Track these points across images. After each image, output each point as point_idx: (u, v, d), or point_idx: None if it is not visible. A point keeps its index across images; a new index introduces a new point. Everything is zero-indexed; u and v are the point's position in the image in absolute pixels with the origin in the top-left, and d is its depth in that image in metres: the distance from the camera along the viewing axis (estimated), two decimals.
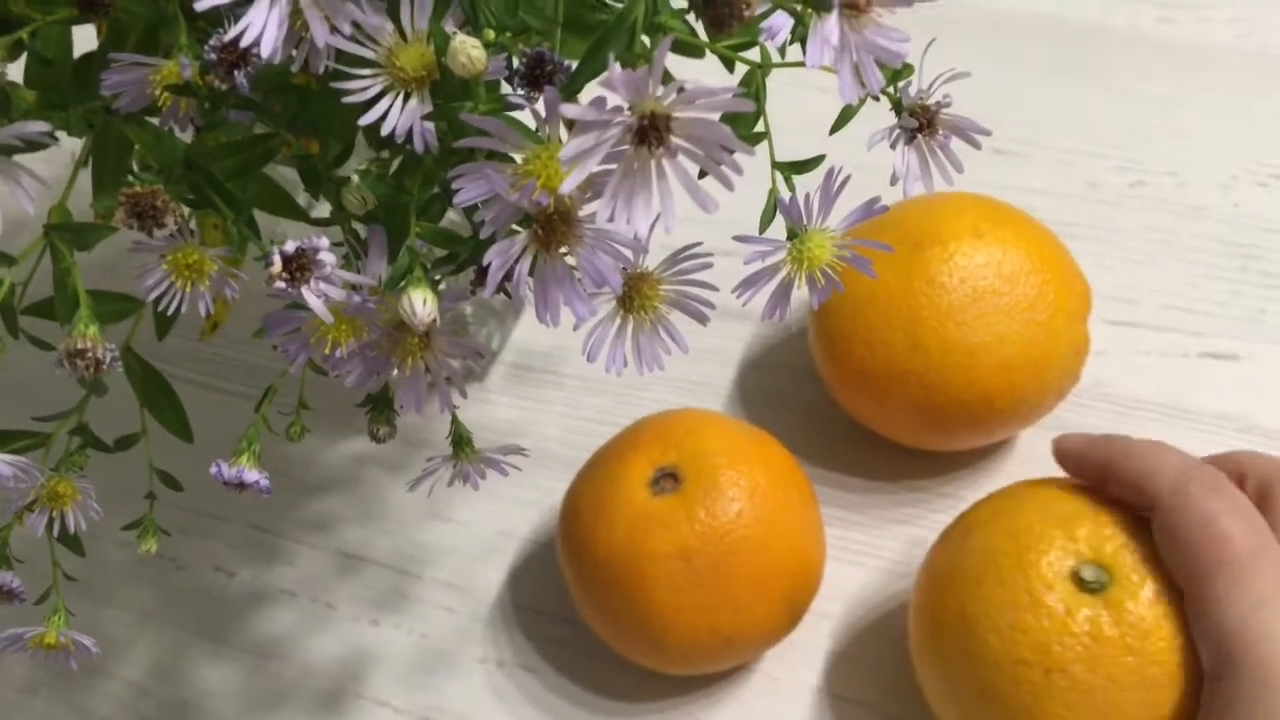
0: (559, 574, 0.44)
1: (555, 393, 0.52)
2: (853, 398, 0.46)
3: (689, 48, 0.26)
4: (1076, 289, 0.45)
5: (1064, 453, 0.39)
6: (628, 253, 0.22)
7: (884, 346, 0.43)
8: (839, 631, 0.45)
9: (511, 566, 0.48)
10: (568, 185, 0.18)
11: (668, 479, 0.41)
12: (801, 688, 0.44)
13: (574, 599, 0.43)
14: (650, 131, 0.18)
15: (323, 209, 0.30)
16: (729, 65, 0.27)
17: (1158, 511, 0.35)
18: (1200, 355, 0.50)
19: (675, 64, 0.25)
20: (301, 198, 0.33)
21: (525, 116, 0.22)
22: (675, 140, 0.18)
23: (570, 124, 0.19)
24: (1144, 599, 0.34)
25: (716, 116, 0.18)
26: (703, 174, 0.19)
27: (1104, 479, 0.37)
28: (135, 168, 0.25)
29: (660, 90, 0.18)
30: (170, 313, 0.24)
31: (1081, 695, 0.34)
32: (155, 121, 0.24)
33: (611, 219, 0.19)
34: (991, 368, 0.42)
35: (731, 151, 0.18)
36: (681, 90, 0.18)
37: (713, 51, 0.26)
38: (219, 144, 0.26)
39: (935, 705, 0.39)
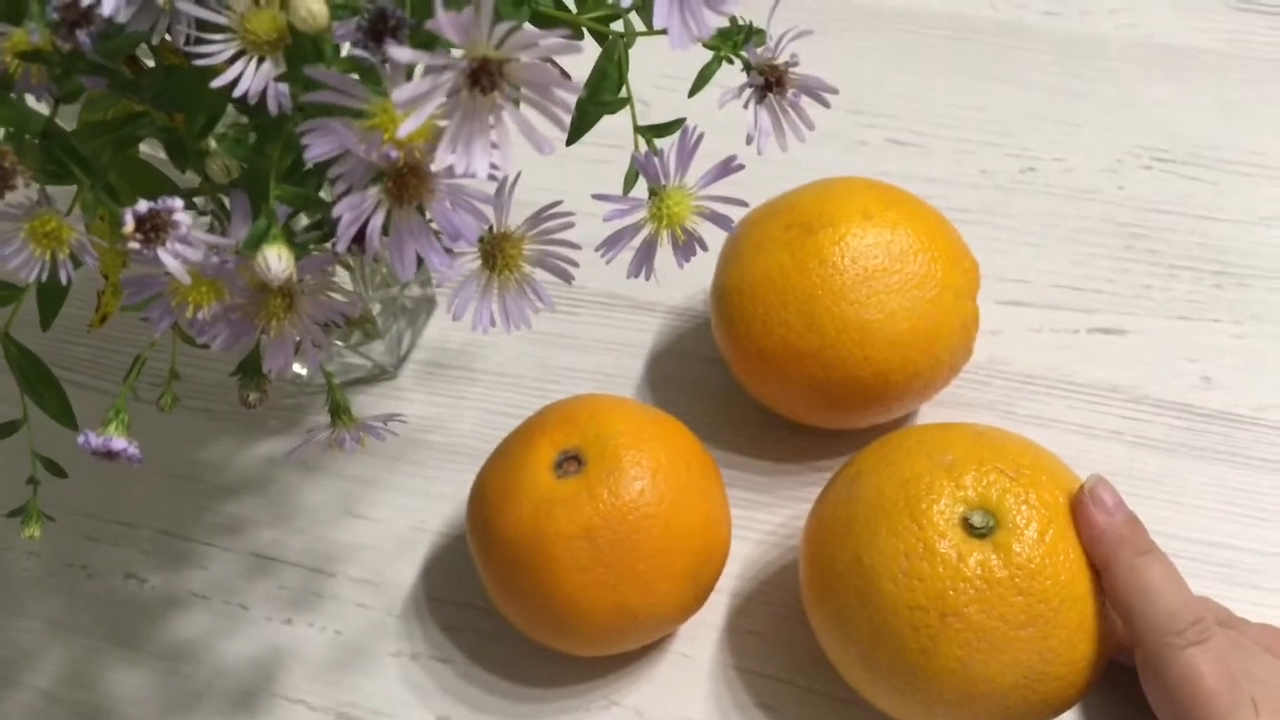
0: (471, 565, 0.44)
1: (469, 388, 0.53)
2: (755, 379, 0.47)
3: (552, 20, 0.27)
4: (964, 266, 0.46)
5: (1084, 512, 0.37)
6: (484, 207, 0.23)
7: (781, 327, 0.45)
8: (750, 609, 0.46)
9: (425, 560, 0.48)
10: (404, 129, 0.19)
11: (571, 461, 0.41)
12: (715, 665, 0.44)
13: (485, 586, 0.43)
14: (482, 75, 0.19)
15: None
16: (598, 37, 0.28)
17: (1141, 651, 0.35)
18: (1090, 331, 0.51)
19: None
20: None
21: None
22: (508, 84, 0.19)
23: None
24: (1029, 540, 0.36)
25: (545, 61, 0.19)
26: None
27: (1102, 568, 0.36)
28: None
29: (491, 37, 0.19)
30: (30, 280, 0.24)
31: (976, 635, 0.35)
32: (14, 97, 0.25)
33: (452, 160, 0.19)
34: (884, 344, 0.44)
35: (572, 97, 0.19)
36: (509, 35, 0.19)
37: (578, 23, 0.27)
38: (86, 124, 0.26)
39: (831, 650, 0.40)
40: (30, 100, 0.24)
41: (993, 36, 0.62)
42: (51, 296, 0.30)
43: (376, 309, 0.50)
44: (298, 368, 0.51)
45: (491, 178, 0.22)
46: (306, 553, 0.48)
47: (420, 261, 0.24)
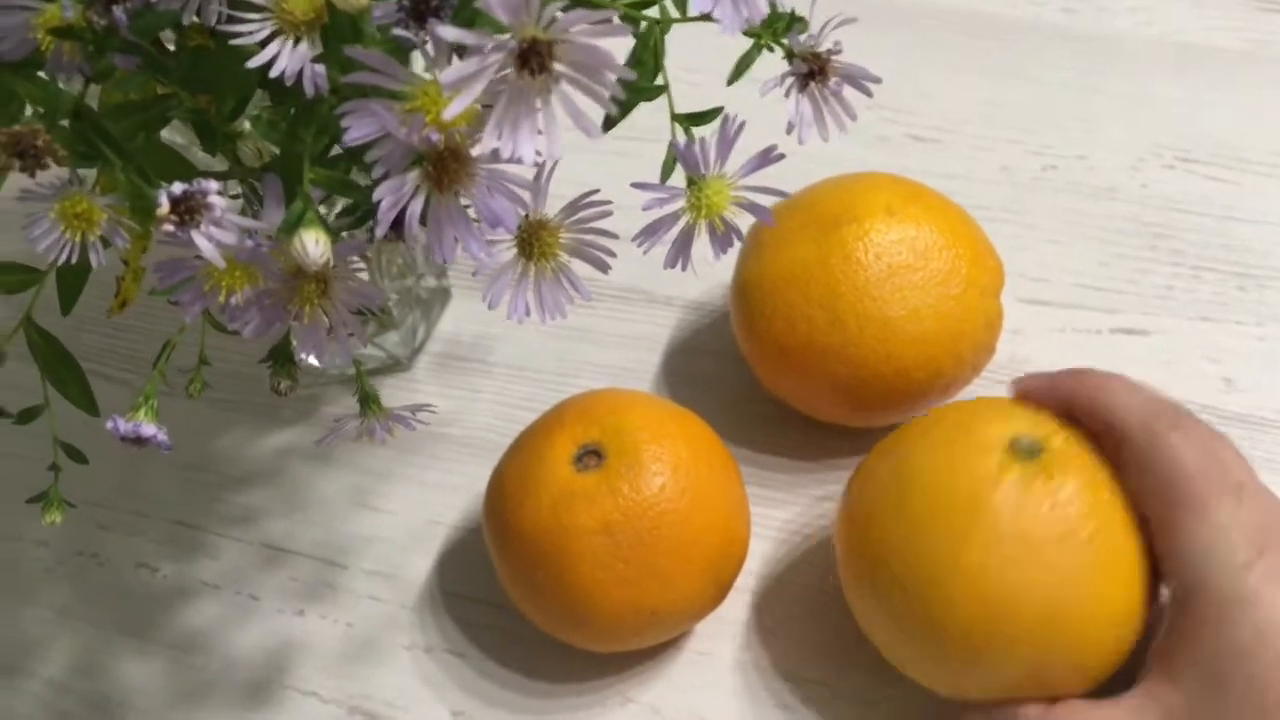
0: (487, 559, 0.44)
1: (483, 381, 0.52)
2: (775, 375, 0.47)
3: (589, 5, 0.26)
4: (988, 264, 0.46)
5: (1026, 391, 0.40)
6: (522, 193, 0.22)
7: (804, 322, 0.44)
8: (766, 606, 0.45)
9: (439, 554, 0.48)
10: (451, 111, 0.19)
11: (591, 455, 0.41)
12: (731, 662, 0.44)
13: (501, 580, 0.43)
14: (532, 56, 0.19)
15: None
16: (632, 24, 0.27)
17: (1126, 446, 0.36)
18: (1112, 331, 0.51)
19: None
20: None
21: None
22: (558, 66, 0.19)
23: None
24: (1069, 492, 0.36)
25: (598, 42, 0.18)
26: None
27: (1069, 412, 0.38)
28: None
29: (541, 17, 0.18)
30: (58, 262, 0.23)
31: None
32: (43, 76, 0.24)
33: (498, 144, 0.19)
34: (907, 340, 0.43)
35: (618, 80, 0.19)
36: (559, 15, 0.18)
37: (614, 8, 0.26)
38: (115, 104, 0.26)
39: (871, 624, 0.40)
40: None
41: (1011, 34, 0.61)
42: (72, 280, 0.29)
43: (392, 300, 0.50)
44: (311, 359, 0.51)
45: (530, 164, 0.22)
46: (319, 544, 0.48)
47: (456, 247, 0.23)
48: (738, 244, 0.27)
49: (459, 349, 0.53)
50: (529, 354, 0.53)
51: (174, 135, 0.35)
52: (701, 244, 0.28)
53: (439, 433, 0.51)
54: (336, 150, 0.27)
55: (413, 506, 0.49)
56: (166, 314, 0.52)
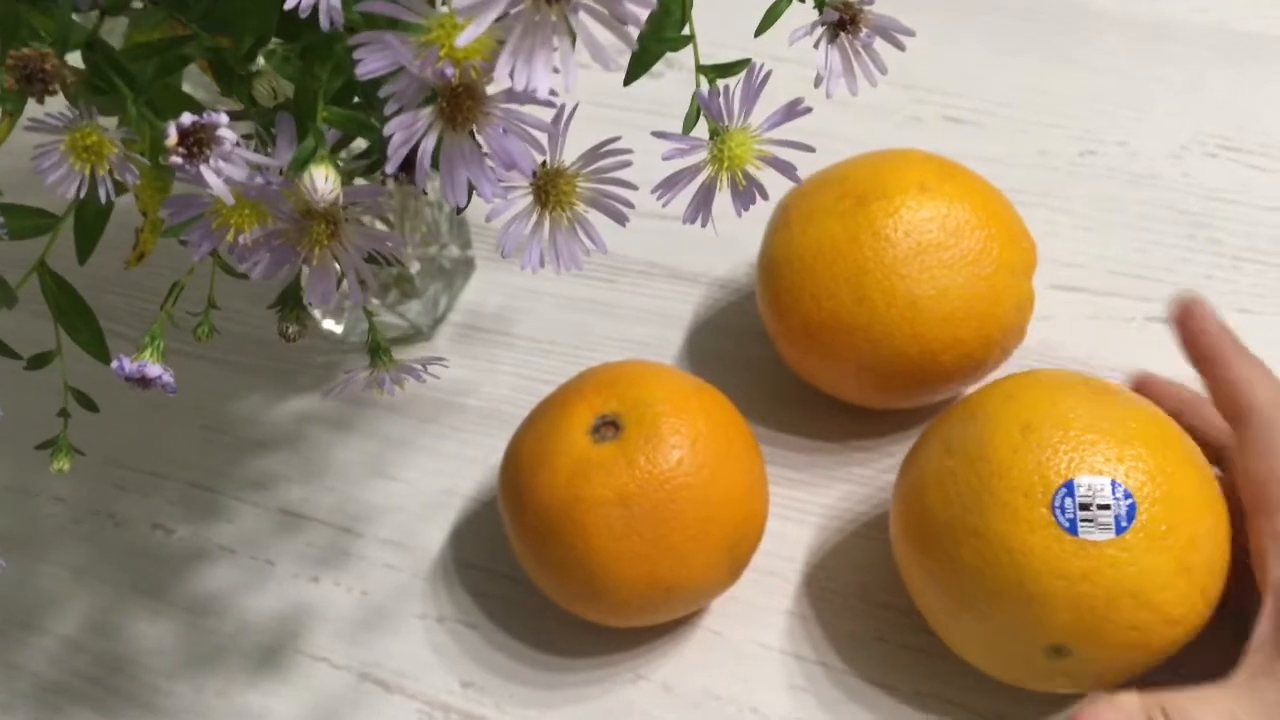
0: (501, 531, 0.43)
1: (503, 353, 0.52)
2: (799, 354, 0.46)
3: None
4: (1022, 245, 0.45)
5: (1187, 315, 0.40)
6: (538, 135, 0.22)
7: (830, 299, 0.43)
8: (783, 588, 0.44)
9: (454, 524, 0.47)
10: (463, 39, 0.18)
11: (609, 426, 0.40)
12: (745, 643, 0.43)
13: (514, 551, 0.42)
14: None
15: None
16: None
17: (1251, 423, 0.36)
18: (1146, 319, 0.50)
19: None
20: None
21: None
22: None
23: None
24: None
25: None
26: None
27: (1202, 368, 0.39)
28: None
29: None
30: (68, 195, 0.23)
31: None
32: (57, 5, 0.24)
33: (511, 77, 0.18)
34: (934, 320, 0.42)
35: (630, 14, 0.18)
36: None
37: None
38: (133, 45, 0.25)
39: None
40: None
41: (1058, 16, 0.60)
42: (90, 225, 0.29)
43: (415, 268, 0.49)
44: (332, 324, 0.51)
45: (549, 104, 0.21)
46: (335, 511, 0.48)
47: (470, 194, 0.23)
48: (748, 223, 0.26)
49: (481, 320, 0.53)
50: (550, 327, 0.52)
51: (195, 90, 0.35)
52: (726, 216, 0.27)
53: (457, 403, 0.50)
54: (358, 100, 0.26)
55: (429, 476, 0.48)
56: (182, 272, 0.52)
